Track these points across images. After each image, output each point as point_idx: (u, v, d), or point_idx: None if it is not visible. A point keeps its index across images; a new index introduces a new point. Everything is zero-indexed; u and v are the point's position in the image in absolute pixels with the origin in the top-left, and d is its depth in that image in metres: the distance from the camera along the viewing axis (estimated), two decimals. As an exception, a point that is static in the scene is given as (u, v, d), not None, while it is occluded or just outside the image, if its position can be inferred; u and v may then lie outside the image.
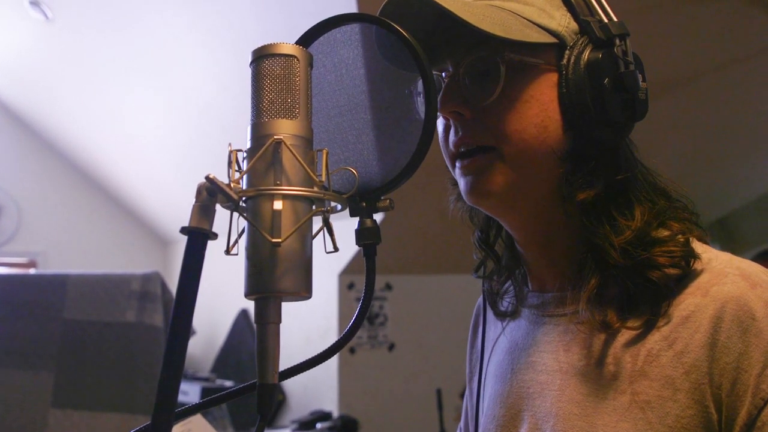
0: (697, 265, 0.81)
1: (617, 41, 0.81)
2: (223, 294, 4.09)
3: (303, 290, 0.64)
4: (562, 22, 0.83)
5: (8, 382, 2.45)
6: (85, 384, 2.52)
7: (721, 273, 0.79)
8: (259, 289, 0.63)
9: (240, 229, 0.66)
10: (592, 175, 0.83)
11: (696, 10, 3.43)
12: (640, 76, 0.82)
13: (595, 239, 0.83)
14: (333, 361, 4.03)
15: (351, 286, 4.13)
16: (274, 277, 0.62)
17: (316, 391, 4.14)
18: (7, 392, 2.44)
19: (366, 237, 0.73)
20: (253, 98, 0.67)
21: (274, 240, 0.61)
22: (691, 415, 0.75)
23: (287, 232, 0.62)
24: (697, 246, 0.83)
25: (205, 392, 4.16)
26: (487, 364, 1.02)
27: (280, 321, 0.65)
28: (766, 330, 0.74)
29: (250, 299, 0.65)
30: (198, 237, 0.61)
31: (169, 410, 0.58)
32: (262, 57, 0.67)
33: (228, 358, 4.98)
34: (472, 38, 0.78)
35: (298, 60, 0.67)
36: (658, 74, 3.80)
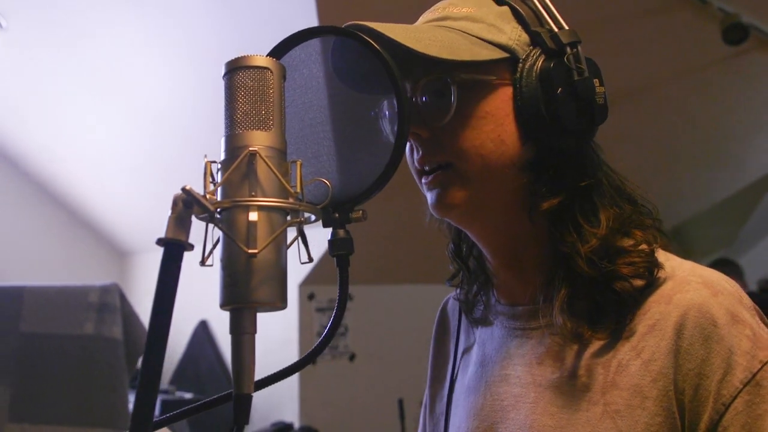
0: (662, 274, 0.83)
1: (568, 49, 0.82)
2: (182, 305, 4.03)
3: (278, 300, 0.65)
4: (513, 35, 0.84)
5: (-37, 397, 2.41)
6: (43, 397, 2.49)
7: (684, 281, 0.81)
8: (235, 300, 0.63)
9: (214, 240, 0.66)
10: (554, 182, 0.84)
11: (648, 23, 3.51)
12: (596, 81, 0.83)
13: (562, 248, 0.84)
14: (294, 372, 4.02)
15: (311, 296, 4.12)
16: (250, 288, 0.63)
17: (277, 402, 4.12)
18: (-38, 407, 2.40)
19: (339, 248, 0.74)
20: (226, 110, 0.67)
21: (249, 251, 0.62)
22: (659, 422, 0.76)
23: (263, 242, 0.63)
24: (661, 255, 0.85)
25: (164, 404, 4.10)
26: (457, 375, 1.03)
27: (255, 331, 0.65)
28: (727, 337, 0.76)
29: (225, 310, 0.65)
30: (174, 248, 0.61)
31: (147, 422, 0.58)
32: (235, 69, 0.67)
33: (187, 369, 4.92)
34: (425, 61, 0.79)
35: (271, 72, 0.67)
36: (612, 86, 3.86)
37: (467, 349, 1.03)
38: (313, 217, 0.70)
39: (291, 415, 3.99)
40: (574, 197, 0.85)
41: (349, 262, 0.74)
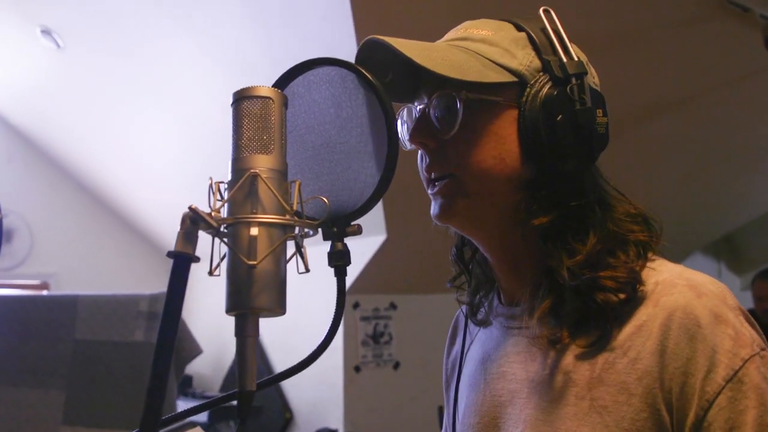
0: (654, 279, 0.88)
1: (573, 80, 0.88)
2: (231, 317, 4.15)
3: (277, 307, 0.71)
4: (524, 61, 0.90)
5: (20, 400, 2.52)
6: (95, 402, 2.58)
7: (671, 284, 0.86)
8: (238, 306, 0.70)
9: (222, 254, 0.74)
10: (547, 202, 0.90)
11: (691, 32, 3.51)
12: (599, 112, 0.88)
13: (549, 262, 0.90)
14: (339, 380, 4.09)
15: (356, 305, 4.19)
16: (251, 296, 0.70)
17: (323, 409, 4.19)
18: (19, 410, 2.51)
19: (337, 259, 0.81)
20: (233, 135, 0.75)
21: (250, 262, 0.69)
22: (644, 417, 0.81)
23: (262, 255, 0.70)
24: (657, 262, 0.90)
25: (213, 411, 4.21)
26: (461, 374, 1.09)
27: (257, 335, 0.72)
28: (710, 337, 0.80)
29: (230, 315, 0.72)
30: (182, 260, 0.69)
31: (156, 415, 0.65)
32: (241, 99, 0.75)
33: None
34: (437, 77, 0.86)
35: (273, 101, 0.74)
36: (657, 95, 3.87)
37: (468, 349, 1.10)
38: (311, 232, 0.77)
39: (336, 422, 4.06)
40: (566, 217, 0.90)
41: (346, 271, 0.81)
